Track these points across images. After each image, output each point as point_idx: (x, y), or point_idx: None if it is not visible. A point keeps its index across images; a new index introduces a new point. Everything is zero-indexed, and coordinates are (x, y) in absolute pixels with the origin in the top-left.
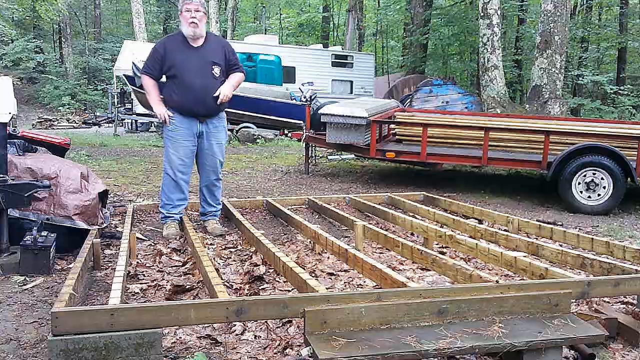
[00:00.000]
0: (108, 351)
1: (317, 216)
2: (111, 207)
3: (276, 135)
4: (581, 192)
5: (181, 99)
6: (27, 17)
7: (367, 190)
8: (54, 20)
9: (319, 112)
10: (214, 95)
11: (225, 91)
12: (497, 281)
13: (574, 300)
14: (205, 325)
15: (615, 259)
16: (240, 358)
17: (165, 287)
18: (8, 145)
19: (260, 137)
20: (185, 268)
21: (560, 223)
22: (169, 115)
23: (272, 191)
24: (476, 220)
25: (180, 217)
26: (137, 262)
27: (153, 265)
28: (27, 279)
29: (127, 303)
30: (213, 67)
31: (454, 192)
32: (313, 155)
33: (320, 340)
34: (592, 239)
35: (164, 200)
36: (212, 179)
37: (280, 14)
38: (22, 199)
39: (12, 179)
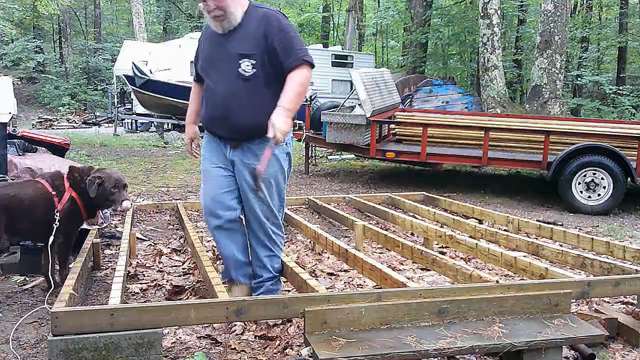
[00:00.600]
0: (108, 351)
1: (317, 216)
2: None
3: None
4: (581, 192)
5: (204, 112)
6: (27, 17)
7: (367, 190)
8: (54, 15)
9: (322, 111)
10: (258, 124)
11: (278, 125)
12: (497, 281)
13: (574, 300)
14: (205, 325)
15: (615, 259)
16: (240, 358)
17: (165, 287)
18: (8, 145)
19: None
20: (185, 268)
21: (560, 223)
22: (193, 141)
23: None
24: (476, 220)
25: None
26: (137, 262)
27: (153, 265)
28: (27, 279)
29: (127, 303)
30: (240, 61)
31: (454, 192)
32: (313, 155)
33: (320, 340)
34: (592, 239)
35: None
36: (257, 234)
37: None
38: None
39: (12, 179)
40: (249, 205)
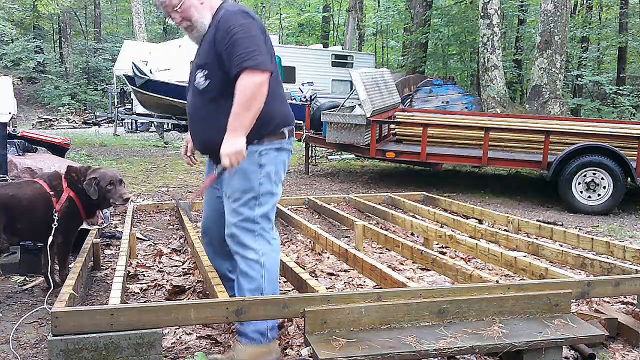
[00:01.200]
0: (108, 351)
1: (317, 216)
2: (111, 207)
3: None
4: (581, 192)
5: None
6: (27, 17)
7: (367, 190)
8: (54, 15)
9: (322, 112)
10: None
11: (223, 150)
12: (497, 281)
13: (574, 300)
14: (205, 325)
15: (615, 259)
16: None
17: (165, 287)
18: (8, 145)
19: None
20: (185, 268)
21: (560, 223)
22: (187, 146)
23: None
24: (476, 220)
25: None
26: (137, 262)
27: (153, 265)
28: (27, 279)
29: (127, 303)
30: (197, 73)
31: (454, 192)
32: (313, 155)
33: (320, 340)
34: (592, 239)
35: None
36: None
37: (280, 14)
38: None
39: (12, 179)
40: (227, 217)
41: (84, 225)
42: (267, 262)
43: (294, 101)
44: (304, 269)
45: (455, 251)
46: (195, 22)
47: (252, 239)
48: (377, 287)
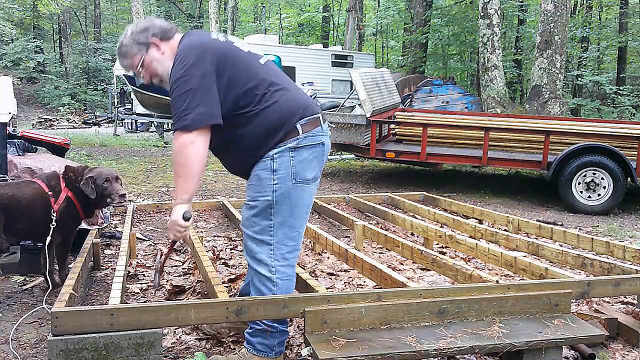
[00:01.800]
0: (108, 351)
1: (317, 216)
2: (111, 207)
3: None
4: (581, 192)
5: None
6: (27, 17)
7: (367, 190)
8: (54, 15)
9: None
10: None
11: (169, 225)
12: (497, 281)
13: (574, 300)
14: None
15: (615, 259)
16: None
17: (165, 287)
18: (8, 145)
19: None
20: (185, 268)
21: (560, 223)
22: None
23: None
24: (476, 220)
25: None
26: (137, 262)
27: (153, 265)
28: (27, 279)
29: (127, 303)
30: None
31: (454, 192)
32: None
33: (320, 340)
34: (592, 239)
35: None
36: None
37: (280, 14)
38: None
39: (12, 179)
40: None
41: (84, 225)
42: (280, 279)
43: None
44: (304, 269)
45: (455, 251)
46: (162, 75)
47: (267, 255)
48: (377, 287)
